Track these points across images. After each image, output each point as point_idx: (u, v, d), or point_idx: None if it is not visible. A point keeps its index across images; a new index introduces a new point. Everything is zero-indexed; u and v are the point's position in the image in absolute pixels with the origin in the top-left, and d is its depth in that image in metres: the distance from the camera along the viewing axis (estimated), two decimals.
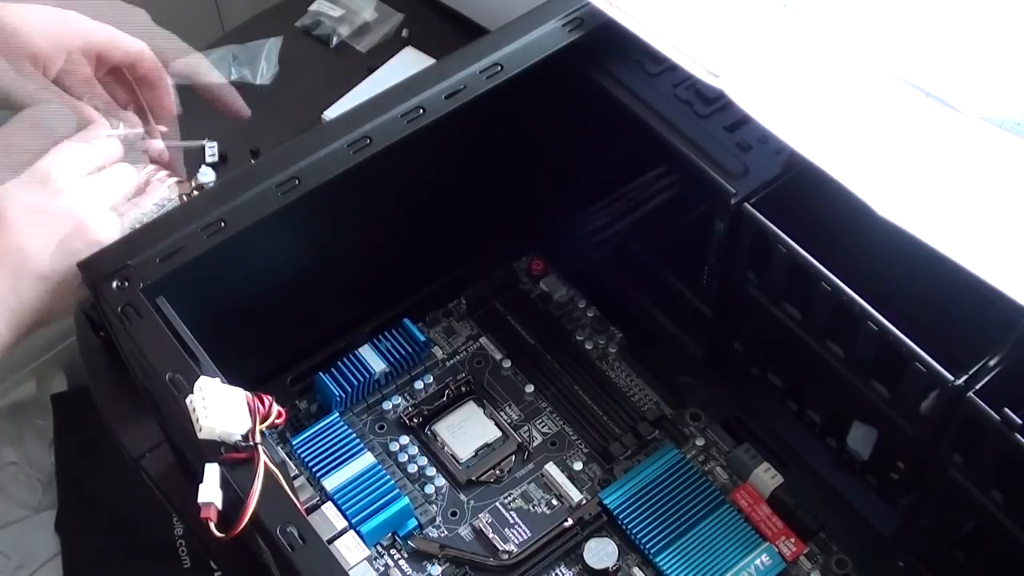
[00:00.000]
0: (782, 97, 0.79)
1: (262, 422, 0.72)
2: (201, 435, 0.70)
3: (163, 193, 0.94)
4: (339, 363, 0.96)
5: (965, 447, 0.74)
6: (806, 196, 0.78)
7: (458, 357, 1.00)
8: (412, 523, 0.90)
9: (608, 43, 0.89)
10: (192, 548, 1.45)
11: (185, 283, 0.79)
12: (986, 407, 0.70)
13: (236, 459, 0.71)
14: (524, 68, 0.88)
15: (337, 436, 0.92)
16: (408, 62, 1.25)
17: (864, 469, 0.85)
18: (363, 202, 0.88)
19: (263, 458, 0.70)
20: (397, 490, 0.90)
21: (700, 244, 0.88)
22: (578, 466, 0.94)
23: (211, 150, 1.20)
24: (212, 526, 0.70)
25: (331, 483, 0.90)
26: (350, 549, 0.86)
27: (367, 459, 0.91)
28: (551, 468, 0.93)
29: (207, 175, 1.10)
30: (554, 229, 1.01)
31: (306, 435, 0.93)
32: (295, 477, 0.91)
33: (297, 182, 0.82)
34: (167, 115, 0.99)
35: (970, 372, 0.71)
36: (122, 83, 0.98)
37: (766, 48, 0.82)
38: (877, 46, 0.80)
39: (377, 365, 0.96)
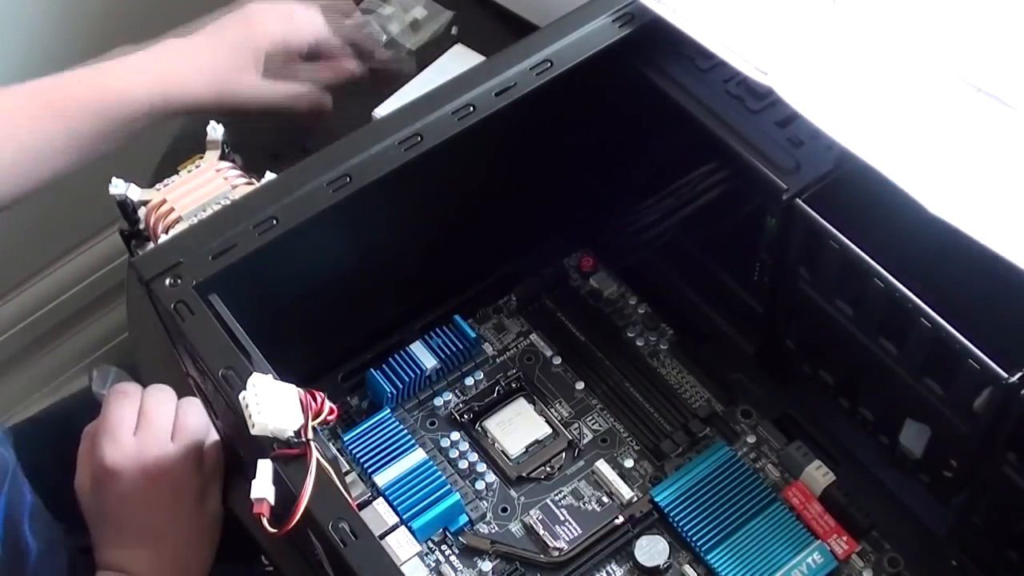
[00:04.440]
0: (831, 93, 0.78)
1: (314, 418, 0.72)
2: (254, 431, 0.71)
3: (224, 190, 0.95)
4: (390, 360, 0.96)
5: (1019, 445, 0.74)
6: (857, 192, 0.78)
7: (508, 354, 1.00)
8: (463, 519, 0.90)
9: (659, 38, 0.88)
10: None
11: (237, 280, 0.80)
12: None
13: (288, 455, 0.71)
14: (574, 64, 0.87)
15: (388, 432, 0.93)
16: (458, 59, 1.25)
17: (917, 467, 0.85)
18: (414, 199, 0.88)
19: (315, 454, 0.70)
20: (448, 486, 0.90)
21: (751, 240, 0.87)
22: (629, 463, 0.94)
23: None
24: (265, 521, 0.70)
25: (382, 479, 0.90)
26: (401, 545, 0.87)
27: (418, 455, 0.92)
28: (602, 465, 0.93)
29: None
30: (604, 226, 1.01)
31: (357, 431, 0.93)
32: (347, 473, 0.91)
33: (348, 179, 0.82)
34: None
35: None
36: None
37: (815, 44, 0.82)
38: (927, 41, 0.80)
39: (428, 361, 0.96)
